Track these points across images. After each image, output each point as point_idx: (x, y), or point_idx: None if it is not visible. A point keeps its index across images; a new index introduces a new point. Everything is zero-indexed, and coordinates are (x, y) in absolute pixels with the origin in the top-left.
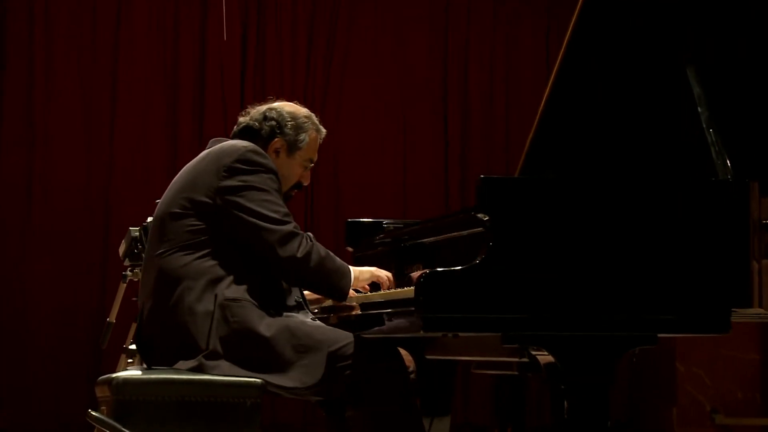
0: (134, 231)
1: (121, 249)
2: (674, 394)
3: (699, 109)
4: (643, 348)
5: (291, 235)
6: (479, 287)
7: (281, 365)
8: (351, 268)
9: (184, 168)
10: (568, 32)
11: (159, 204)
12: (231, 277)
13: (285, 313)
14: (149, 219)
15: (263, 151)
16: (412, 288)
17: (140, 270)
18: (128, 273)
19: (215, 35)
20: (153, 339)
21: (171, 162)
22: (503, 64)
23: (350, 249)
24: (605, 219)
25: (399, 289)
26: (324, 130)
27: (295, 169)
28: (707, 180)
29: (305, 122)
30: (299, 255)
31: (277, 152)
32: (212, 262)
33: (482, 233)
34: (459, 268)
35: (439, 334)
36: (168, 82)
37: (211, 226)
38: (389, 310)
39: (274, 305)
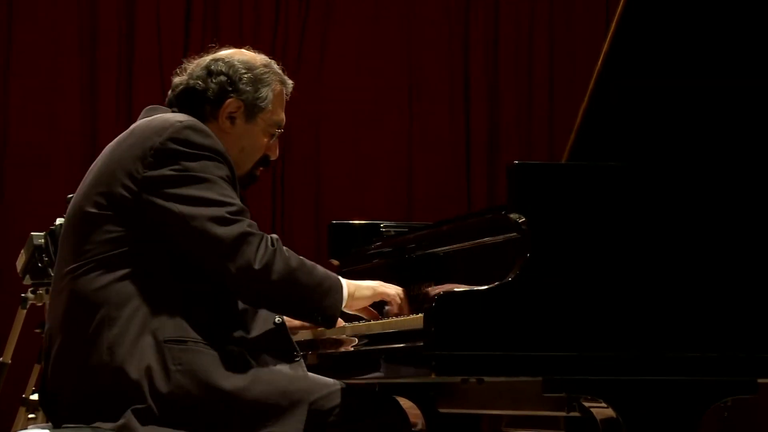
0: (38, 237)
1: (20, 262)
2: None
3: None
4: (737, 398)
5: (243, 238)
6: (512, 314)
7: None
8: (344, 281)
9: (104, 150)
10: None
11: (72, 200)
12: (167, 305)
13: (252, 352)
14: (59, 221)
15: (205, 127)
16: (421, 316)
17: (46, 291)
18: (29, 295)
19: None
20: (63, 388)
21: (88, 138)
22: (545, 27)
23: (335, 262)
24: (687, 221)
25: (403, 317)
26: (290, 82)
27: (259, 139)
28: None
29: (265, 72)
30: (257, 266)
31: (231, 118)
32: (140, 284)
33: (516, 240)
34: (485, 287)
35: (458, 379)
36: (83, 22)
37: (135, 232)
38: (391, 346)
39: (235, 339)
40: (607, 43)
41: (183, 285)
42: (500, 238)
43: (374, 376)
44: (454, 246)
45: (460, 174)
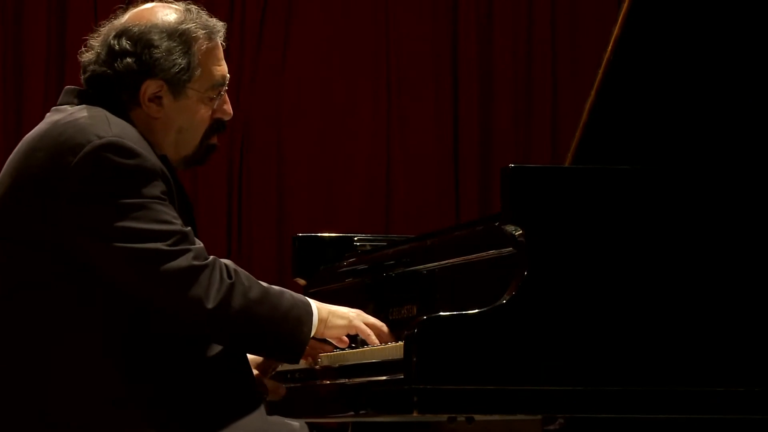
0: None
1: None
2: None
3: None
4: None
5: (189, 275)
6: (507, 342)
7: None
8: (315, 306)
9: (23, 140)
10: None
11: None
12: (117, 357)
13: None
14: None
15: (127, 142)
16: (401, 344)
17: None
18: None
19: None
20: None
21: (10, 116)
22: (546, 8)
23: (301, 281)
24: (713, 232)
25: (381, 346)
26: (219, 26)
27: (198, 111)
28: None
29: (182, 35)
30: (210, 304)
31: (156, 100)
32: (84, 322)
33: (512, 256)
34: (475, 311)
35: (444, 417)
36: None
37: (55, 259)
38: (367, 379)
39: (181, 387)
40: (618, 25)
41: (132, 324)
42: (493, 253)
43: (347, 415)
44: (440, 263)
45: (447, 179)
